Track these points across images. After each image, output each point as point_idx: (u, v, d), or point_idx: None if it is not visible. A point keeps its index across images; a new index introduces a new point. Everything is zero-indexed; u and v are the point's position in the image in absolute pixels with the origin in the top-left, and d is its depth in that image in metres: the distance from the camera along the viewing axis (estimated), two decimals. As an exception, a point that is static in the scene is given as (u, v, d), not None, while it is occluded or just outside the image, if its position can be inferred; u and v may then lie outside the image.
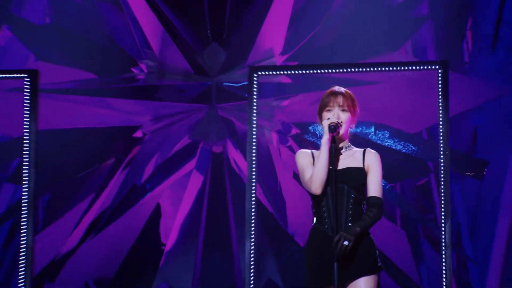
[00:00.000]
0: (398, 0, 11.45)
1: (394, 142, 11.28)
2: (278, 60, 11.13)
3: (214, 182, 11.29)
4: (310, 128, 11.63)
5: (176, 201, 11.36)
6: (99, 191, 11.11)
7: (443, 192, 7.59)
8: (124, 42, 11.32)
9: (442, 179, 7.66)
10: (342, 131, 5.94)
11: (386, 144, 11.33)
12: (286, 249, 11.20)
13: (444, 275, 7.35)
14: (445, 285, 7.27)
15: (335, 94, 6.04)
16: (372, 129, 12.02)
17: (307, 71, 9.29)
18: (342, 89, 6.12)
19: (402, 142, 11.16)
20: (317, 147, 11.98)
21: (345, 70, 8.78)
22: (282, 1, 11.06)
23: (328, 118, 5.92)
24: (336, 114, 5.95)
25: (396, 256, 11.12)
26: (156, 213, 11.31)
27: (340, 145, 6.01)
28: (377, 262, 5.94)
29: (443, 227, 7.41)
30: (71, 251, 11.04)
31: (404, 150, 11.09)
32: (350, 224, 5.89)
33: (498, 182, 11.19)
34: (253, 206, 8.03)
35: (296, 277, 11.24)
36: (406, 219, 11.19)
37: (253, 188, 8.03)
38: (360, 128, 11.96)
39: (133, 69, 11.21)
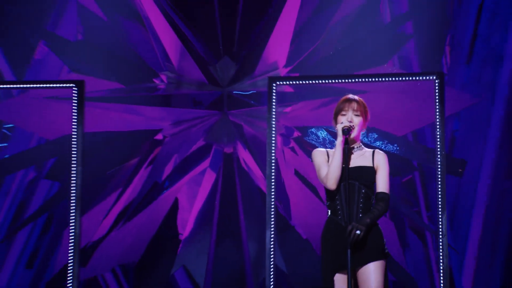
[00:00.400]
0: (387, 20, 11.48)
1: (383, 143, 11.23)
2: (282, 72, 11.14)
3: (226, 179, 11.35)
4: (309, 131, 11.63)
5: (192, 196, 11.38)
6: (125, 186, 11.12)
7: (440, 188, 7.50)
8: (147, 55, 11.32)
9: (439, 177, 7.58)
10: (354, 133, 5.99)
11: (376, 144, 11.24)
12: (289, 238, 11.16)
13: (441, 260, 7.28)
14: (442, 269, 7.22)
15: (350, 100, 6.08)
16: (364, 132, 12.37)
17: (323, 81, 9.39)
18: (356, 97, 6.17)
19: (390, 143, 11.10)
20: (315, 147, 12.19)
21: (352, 80, 8.82)
22: (286, 20, 11.01)
23: (342, 122, 5.97)
24: (350, 118, 5.98)
25: (387, 246, 11.25)
26: (174, 207, 11.34)
27: (352, 146, 6.04)
28: (385, 249, 5.98)
29: (440, 218, 7.30)
30: (100, 239, 11.06)
31: (392, 151, 10.98)
32: (361, 215, 5.93)
33: (474, 179, 11.25)
34: (272, 200, 8.00)
35: (298, 264, 11.23)
36: (393, 211, 11.10)
37: (273, 184, 8.01)
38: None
39: (154, 80, 11.24)
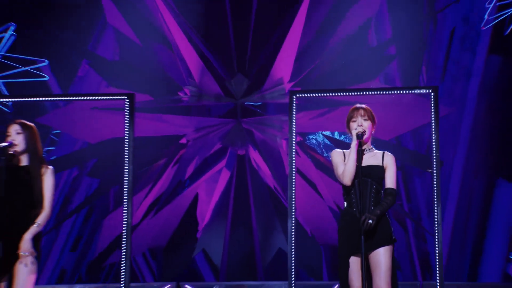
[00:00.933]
0: (374, 44, 11.56)
1: (378, 147, 11.23)
2: (287, 86, 11.10)
3: (239, 177, 11.37)
4: (309, 136, 11.80)
5: (210, 191, 11.40)
6: (154, 182, 11.10)
7: (435, 185, 7.34)
8: (172, 73, 11.31)
9: (435, 176, 7.43)
10: (365, 136, 5.96)
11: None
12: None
13: (436, 246, 7.13)
14: (437, 253, 7.04)
15: (357, 108, 6.07)
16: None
17: (336, 94, 9.31)
18: (363, 105, 6.14)
19: (378, 147, 11.02)
20: (314, 150, 12.12)
21: (359, 93, 8.62)
22: (290, 43, 11.00)
23: (356, 128, 5.95)
24: (359, 123, 5.96)
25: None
26: (195, 200, 11.35)
27: (364, 147, 6.01)
28: (392, 236, 5.96)
29: (435, 210, 7.17)
30: (134, 226, 10.66)
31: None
32: (372, 208, 5.88)
33: (447, 177, 11.21)
34: (293, 195, 7.86)
35: (298, 247, 10.70)
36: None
37: (293, 182, 7.88)
38: (346, 136, 11.82)
39: (179, 93, 11.22)
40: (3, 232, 5.84)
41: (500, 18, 11.09)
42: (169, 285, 8.96)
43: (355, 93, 8.58)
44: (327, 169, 11.05)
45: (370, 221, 5.70)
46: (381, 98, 10.15)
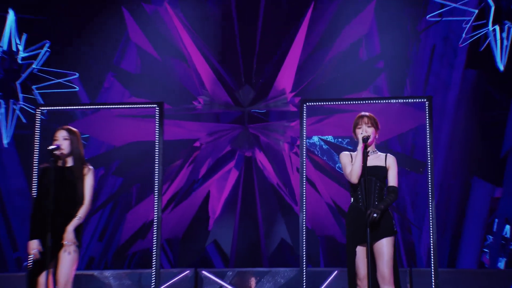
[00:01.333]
0: (365, 58, 11.59)
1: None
2: (288, 96, 11.13)
3: (246, 176, 11.36)
4: (308, 141, 11.78)
5: (220, 189, 11.38)
6: (172, 181, 11.05)
7: (430, 183, 7.18)
8: (188, 84, 11.30)
9: (429, 174, 7.29)
10: (369, 140, 5.95)
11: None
12: (292, 219, 11.05)
13: (431, 236, 7.00)
14: (432, 243, 6.93)
15: (362, 116, 6.06)
16: (347, 141, 12.29)
17: (347, 102, 9.07)
18: (367, 113, 6.13)
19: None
20: (312, 152, 12.16)
21: (362, 102, 8.63)
22: (291, 58, 10.93)
23: (361, 133, 5.96)
24: (364, 130, 5.96)
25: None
26: (208, 197, 11.30)
27: (368, 149, 5.99)
28: (394, 228, 5.98)
29: (430, 204, 7.06)
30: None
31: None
32: (376, 203, 5.89)
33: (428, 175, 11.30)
34: (304, 191, 7.72)
35: (297, 237, 11.02)
36: None
37: (304, 181, 7.75)
38: (339, 140, 12.27)
39: (193, 102, 11.19)
40: (50, 225, 5.87)
41: (476, 37, 11.12)
42: (188, 271, 8.81)
43: (360, 102, 8.59)
44: (325, 169, 11.11)
45: (375, 215, 5.73)
46: (372, 107, 9.58)
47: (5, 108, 11.35)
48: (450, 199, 11.47)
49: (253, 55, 11.47)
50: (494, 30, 10.79)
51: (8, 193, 11.77)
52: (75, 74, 11.67)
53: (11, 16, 11.44)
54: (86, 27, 11.72)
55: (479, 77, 11.87)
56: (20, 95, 11.42)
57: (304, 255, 7.37)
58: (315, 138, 12.67)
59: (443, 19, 11.51)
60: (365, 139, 5.88)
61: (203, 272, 8.82)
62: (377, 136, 6.09)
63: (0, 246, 11.59)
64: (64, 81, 11.63)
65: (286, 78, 11.10)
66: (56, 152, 6.03)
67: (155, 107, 7.61)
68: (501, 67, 10.92)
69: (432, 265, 7.06)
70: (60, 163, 6.11)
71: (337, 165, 12.49)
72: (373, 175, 5.95)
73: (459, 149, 11.58)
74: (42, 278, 5.98)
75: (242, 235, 11.28)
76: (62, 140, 6.09)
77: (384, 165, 6.00)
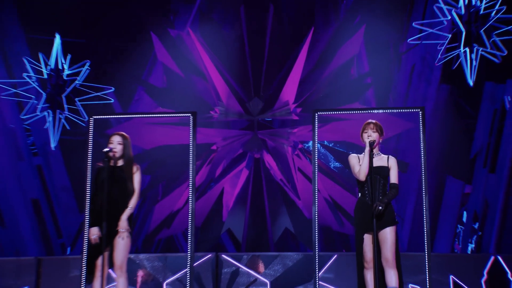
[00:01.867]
0: (356, 75, 11.61)
1: (351, 151, 10.38)
2: (291, 107, 11.12)
3: (255, 174, 11.43)
4: (307, 145, 11.71)
5: (233, 185, 11.42)
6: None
7: (424, 180, 7.10)
8: (206, 96, 11.36)
9: (423, 173, 7.15)
10: (375, 144, 6.01)
11: (350, 152, 10.27)
12: (295, 212, 11.16)
13: (425, 225, 6.90)
14: (426, 232, 6.85)
15: (369, 123, 6.12)
16: (338, 145, 12.13)
17: (354, 112, 9.25)
18: (373, 120, 6.16)
19: (357, 151, 10.28)
20: (309, 153, 11.85)
21: (366, 111, 8.69)
22: (294, 74, 10.90)
23: (368, 138, 6.03)
24: (369, 134, 6.04)
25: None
26: (222, 192, 11.32)
27: (373, 152, 6.01)
28: (395, 218, 6.00)
29: (424, 199, 6.95)
30: (178, 210, 10.96)
31: (359, 156, 10.64)
32: (380, 197, 5.91)
33: (410, 175, 11.19)
34: (316, 187, 7.53)
35: (300, 227, 11.05)
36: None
37: (316, 179, 7.55)
38: (332, 143, 12.16)
39: (211, 112, 11.25)
40: (105, 215, 6.01)
41: (449, 57, 11.11)
42: (210, 255, 8.75)
43: (364, 111, 8.65)
44: (322, 169, 11.13)
45: (380, 207, 5.80)
46: (361, 116, 9.50)
47: (52, 117, 11.33)
48: (428, 194, 11.41)
49: (261, 72, 11.44)
50: (465, 51, 10.80)
51: (54, 190, 11.80)
52: (110, 88, 11.68)
53: (57, 40, 11.44)
54: (120, 48, 11.88)
55: (452, 91, 11.92)
56: (65, 106, 11.38)
57: (317, 241, 7.22)
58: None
59: (422, 42, 11.52)
60: (371, 143, 5.97)
61: (223, 255, 8.81)
62: (380, 141, 6.15)
63: (48, 234, 11.56)
64: (101, 94, 11.63)
65: (289, 91, 11.10)
66: (110, 154, 6.19)
67: (189, 116, 7.50)
68: (471, 83, 10.90)
69: (426, 250, 6.98)
70: (112, 162, 6.24)
71: (332, 165, 12.57)
72: (377, 173, 5.99)
73: (435, 152, 11.57)
74: (99, 261, 6.09)
75: (251, 224, 11.31)
76: (116, 144, 6.28)
77: (386, 165, 6.05)
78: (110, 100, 11.81)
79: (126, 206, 6.19)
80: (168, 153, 11.13)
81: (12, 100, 11.59)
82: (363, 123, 10.04)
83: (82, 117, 11.56)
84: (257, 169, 11.45)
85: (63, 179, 11.84)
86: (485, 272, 8.33)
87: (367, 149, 5.99)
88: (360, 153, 6.11)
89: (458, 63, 11.02)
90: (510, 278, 8.28)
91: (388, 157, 6.12)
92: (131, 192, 6.27)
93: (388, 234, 5.92)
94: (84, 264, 6.46)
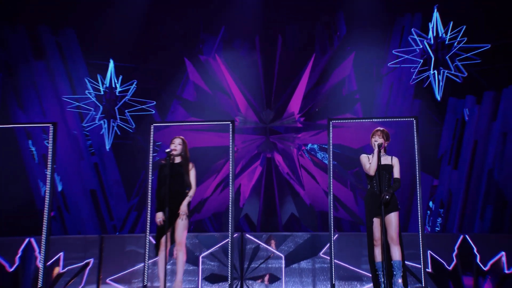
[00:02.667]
0: (347, 92, 11.57)
1: (342, 152, 11.08)
2: (296, 117, 11.02)
3: (268, 171, 11.40)
4: (310, 147, 11.88)
5: (249, 179, 11.35)
6: (218, 173, 11.05)
7: (417, 178, 6.79)
8: (228, 108, 11.36)
9: (417, 171, 6.87)
10: (382, 147, 5.94)
11: (339, 152, 11.11)
12: (299, 201, 11.10)
13: (419, 211, 6.66)
14: (420, 216, 6.65)
15: (377, 130, 6.04)
16: (335, 146, 12.04)
17: (359, 120, 9.21)
18: (381, 128, 6.08)
19: (348, 152, 10.94)
20: (313, 154, 11.80)
21: (368, 120, 8.68)
22: (299, 90, 10.85)
23: (376, 141, 5.97)
24: (377, 139, 5.98)
25: (348, 203, 10.83)
26: (240, 185, 11.25)
27: (381, 152, 5.97)
28: (398, 205, 5.91)
29: (418, 194, 6.69)
30: (206, 198, 10.94)
31: (351, 156, 10.79)
32: (386, 188, 5.84)
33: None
34: (331, 180, 6.85)
35: (302, 212, 11.02)
36: (352, 186, 11.08)
37: (331, 173, 6.86)
38: (326, 145, 11.97)
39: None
40: (167, 204, 6.07)
41: (421, 78, 11.17)
42: (236, 234, 8.44)
43: (366, 120, 8.75)
44: (321, 166, 11.11)
45: (387, 196, 5.75)
46: (353, 124, 10.20)
47: (107, 125, 11.46)
48: (404, 187, 10.61)
49: (272, 89, 11.42)
50: (434, 73, 10.85)
51: (107, 182, 11.89)
52: (152, 102, 11.80)
53: (111, 64, 11.65)
54: (160, 70, 11.88)
55: (423, 105, 11.93)
56: (117, 116, 11.56)
57: (332, 222, 6.80)
58: (315, 145, 12.54)
59: (399, 66, 11.54)
60: (379, 146, 5.95)
61: (246, 235, 8.67)
62: (385, 145, 6.07)
63: (103, 217, 11.65)
64: (145, 107, 11.72)
65: (295, 104, 11.11)
66: (172, 153, 6.28)
67: (229, 123, 7.20)
68: (438, 98, 10.95)
69: (420, 231, 6.69)
70: (171, 160, 6.31)
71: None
72: (384, 170, 5.95)
73: (410, 152, 11.03)
74: (163, 239, 6.18)
75: (264, 210, 11.28)
76: (177, 145, 6.38)
77: (391, 163, 5.99)
78: (152, 111, 11.90)
79: (183, 195, 6.24)
80: (198, 153, 10.58)
81: (75, 112, 11.71)
82: (354, 130, 10.04)
83: (130, 125, 11.66)
84: (269, 166, 11.44)
85: (114, 174, 11.93)
86: (455, 248, 8.29)
87: (376, 150, 5.95)
88: (349, 154, 6.07)
89: (428, 82, 11.07)
90: (475, 252, 8.23)
91: (392, 157, 6.06)
92: (188, 184, 6.31)
93: (393, 218, 5.88)
94: (156, 240, 6.37)
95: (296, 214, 11.25)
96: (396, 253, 5.86)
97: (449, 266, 8.29)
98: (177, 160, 6.38)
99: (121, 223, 11.83)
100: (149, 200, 6.80)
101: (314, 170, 11.20)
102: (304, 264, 8.49)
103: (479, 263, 8.24)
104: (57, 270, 8.19)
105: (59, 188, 11.46)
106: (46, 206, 6.62)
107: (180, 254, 6.21)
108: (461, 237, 8.40)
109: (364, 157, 6.11)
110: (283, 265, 8.50)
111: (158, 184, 6.29)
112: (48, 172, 6.62)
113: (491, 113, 11.16)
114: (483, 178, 11.03)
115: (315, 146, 12.69)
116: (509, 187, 10.66)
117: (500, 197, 10.70)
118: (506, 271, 8.18)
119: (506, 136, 10.94)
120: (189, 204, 6.30)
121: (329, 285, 8.13)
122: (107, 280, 8.45)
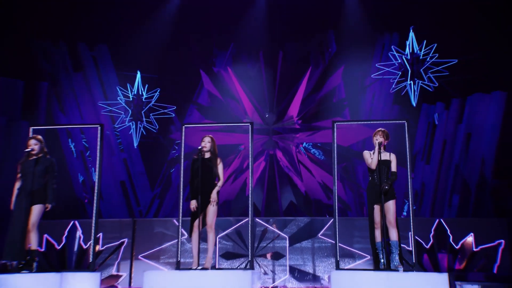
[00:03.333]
0: (337, 99, 11.51)
1: (337, 149, 10.96)
2: (295, 120, 11.07)
3: (270, 166, 11.38)
4: (306, 145, 11.55)
5: (255, 172, 11.12)
6: (228, 166, 11.09)
7: (409, 176, 6.43)
8: (237, 113, 11.38)
9: (409, 170, 6.49)
10: (382, 145, 5.91)
11: (336, 150, 11.03)
12: (297, 190, 11.09)
13: (410, 199, 6.46)
14: (411, 203, 6.47)
15: (378, 130, 6.02)
16: (327, 144, 11.89)
17: (360, 123, 9.13)
18: (382, 129, 6.01)
19: (342, 150, 10.87)
20: (309, 151, 11.70)
21: (366, 122, 8.48)
22: (297, 97, 10.99)
23: (377, 139, 5.93)
24: (377, 138, 5.95)
25: (338, 192, 10.67)
26: (247, 178, 10.89)
27: (381, 150, 5.93)
28: (395, 194, 5.88)
29: (409, 185, 6.40)
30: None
31: (340, 152, 10.63)
32: (385, 180, 5.81)
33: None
34: (336, 175, 6.55)
35: (300, 200, 11.04)
36: (342, 179, 11.13)
37: (336, 168, 6.70)
38: (320, 144, 11.87)
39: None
40: (200, 192, 6.08)
41: (399, 87, 11.09)
42: (247, 219, 7.97)
43: (365, 122, 8.65)
44: (316, 161, 11.15)
45: (387, 187, 5.75)
46: (344, 126, 10.12)
47: (134, 126, 11.47)
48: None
49: (274, 96, 11.44)
50: (410, 83, 10.83)
51: (135, 175, 11.73)
52: (173, 107, 11.69)
53: (138, 75, 11.58)
54: (179, 80, 11.72)
55: (401, 110, 11.64)
56: (143, 119, 11.49)
57: (336, 208, 6.57)
58: (310, 144, 12.31)
59: (381, 77, 11.46)
60: (379, 144, 5.94)
61: (256, 219, 8.58)
62: (385, 143, 6.04)
63: (130, 203, 11.51)
64: (166, 111, 11.66)
65: (293, 109, 11.18)
66: (203, 149, 6.23)
67: (248, 124, 7.00)
68: (414, 104, 10.90)
69: (411, 217, 6.44)
70: (202, 155, 6.27)
71: (322, 158, 12.91)
72: (383, 164, 5.95)
73: (391, 150, 11.27)
74: (196, 222, 6.17)
75: (267, 198, 11.26)
76: (206, 143, 6.28)
77: (389, 159, 5.99)
78: (172, 115, 11.80)
79: (213, 185, 6.20)
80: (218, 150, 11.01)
81: (108, 115, 11.67)
82: (344, 131, 9.92)
83: (154, 126, 11.62)
84: (272, 161, 11.47)
85: (140, 167, 11.78)
86: (432, 229, 8.30)
87: (376, 147, 5.93)
88: (339, 151, 6.05)
89: (405, 91, 11.03)
90: (449, 234, 8.27)
91: (390, 153, 6.02)
92: (216, 176, 6.27)
93: (390, 205, 5.85)
94: (190, 223, 6.26)
95: (295, 202, 11.32)
96: (393, 235, 5.85)
97: (427, 245, 8.36)
98: (207, 155, 6.32)
99: (146, 209, 11.66)
100: (181, 190, 6.80)
101: (309, 164, 11.33)
102: (305, 243, 8.52)
103: (452, 242, 8.33)
104: (97, 248, 8.30)
105: (95, 179, 11.37)
106: (96, 195, 6.70)
107: (211, 235, 6.20)
108: (437, 221, 8.41)
109: (366, 153, 6.07)
110: (287, 245, 8.52)
111: (191, 176, 6.29)
112: (97, 164, 6.59)
113: (457, 117, 11.21)
114: (451, 171, 11.06)
115: (311, 144, 12.37)
116: (472, 179, 10.68)
117: (465, 187, 10.74)
118: (474, 249, 8.27)
119: (470, 136, 10.99)
120: (218, 193, 6.27)
121: (326, 262, 8.38)
122: (139, 257, 8.53)
